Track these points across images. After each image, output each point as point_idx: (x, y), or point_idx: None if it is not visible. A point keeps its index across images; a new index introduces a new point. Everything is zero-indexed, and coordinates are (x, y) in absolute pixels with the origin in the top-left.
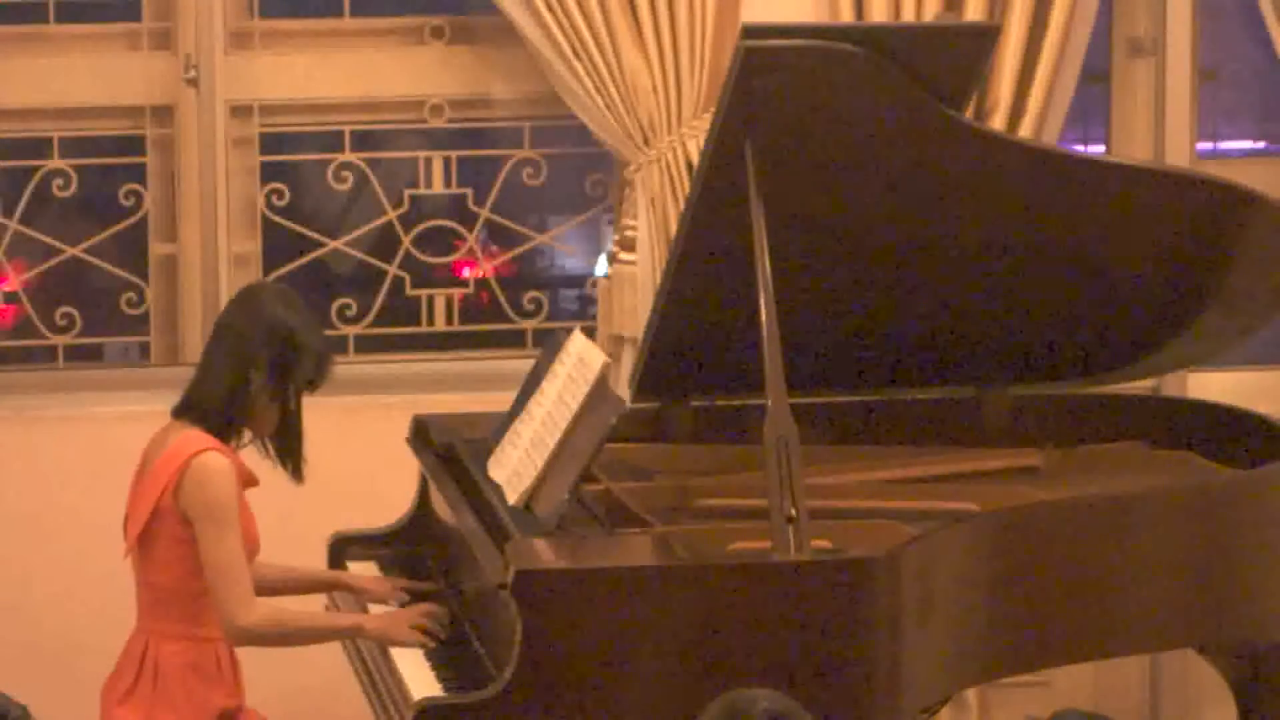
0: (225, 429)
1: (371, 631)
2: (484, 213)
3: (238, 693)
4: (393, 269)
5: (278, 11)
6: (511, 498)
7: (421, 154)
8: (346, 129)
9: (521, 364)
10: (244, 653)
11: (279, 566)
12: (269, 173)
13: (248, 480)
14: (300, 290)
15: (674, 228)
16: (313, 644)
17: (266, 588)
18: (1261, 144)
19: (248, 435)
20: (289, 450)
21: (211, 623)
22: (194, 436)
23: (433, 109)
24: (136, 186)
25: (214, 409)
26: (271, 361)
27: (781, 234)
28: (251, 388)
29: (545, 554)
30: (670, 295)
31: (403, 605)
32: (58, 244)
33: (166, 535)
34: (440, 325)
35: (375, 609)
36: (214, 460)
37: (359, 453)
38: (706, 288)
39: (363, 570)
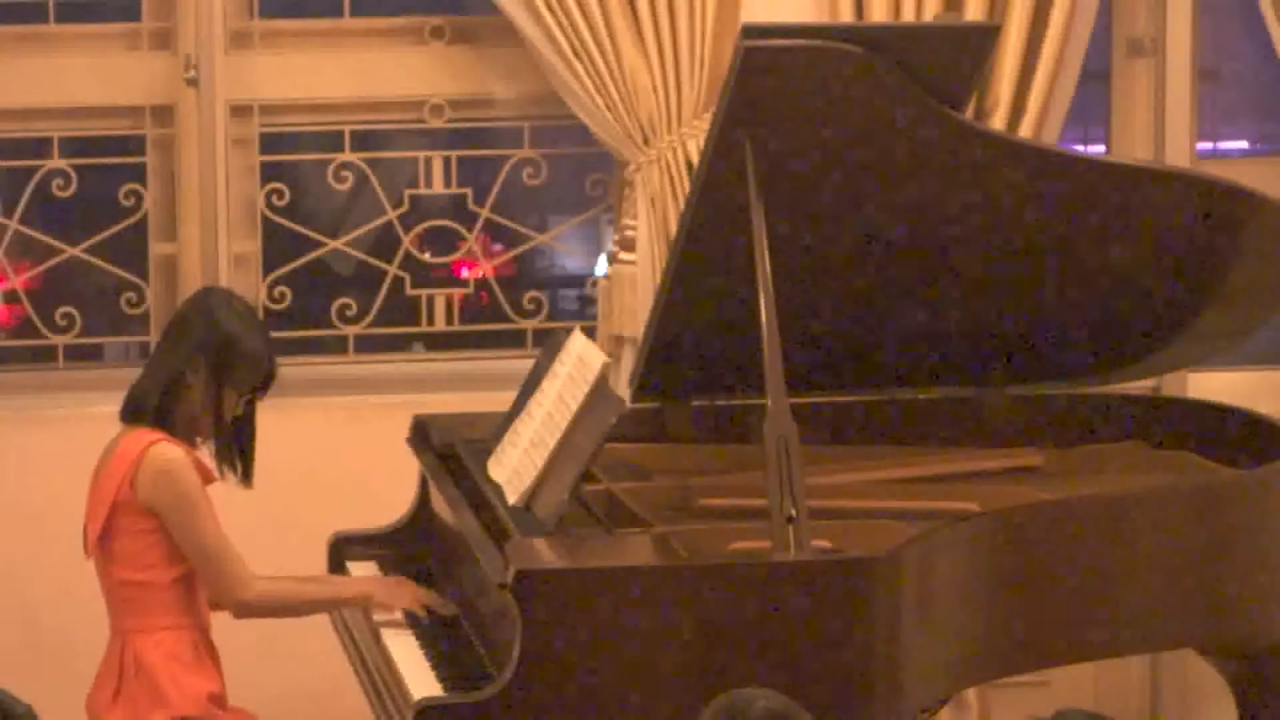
0: (165, 424)
1: (378, 600)
2: (484, 213)
3: (219, 678)
4: (393, 269)
5: (278, 11)
6: (511, 498)
7: (421, 154)
8: (346, 129)
9: (521, 364)
10: (245, 652)
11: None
12: (269, 173)
13: (206, 477)
14: (300, 290)
15: (674, 228)
16: (316, 612)
17: None
18: (1261, 144)
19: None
20: (242, 452)
21: (184, 612)
22: (142, 433)
23: (433, 109)
24: (136, 186)
25: (149, 403)
26: (210, 364)
27: (781, 234)
28: (187, 386)
29: (545, 554)
30: (670, 295)
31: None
32: (58, 244)
33: (128, 530)
34: (440, 325)
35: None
36: (168, 450)
37: (359, 453)
38: (706, 288)
39: (363, 570)
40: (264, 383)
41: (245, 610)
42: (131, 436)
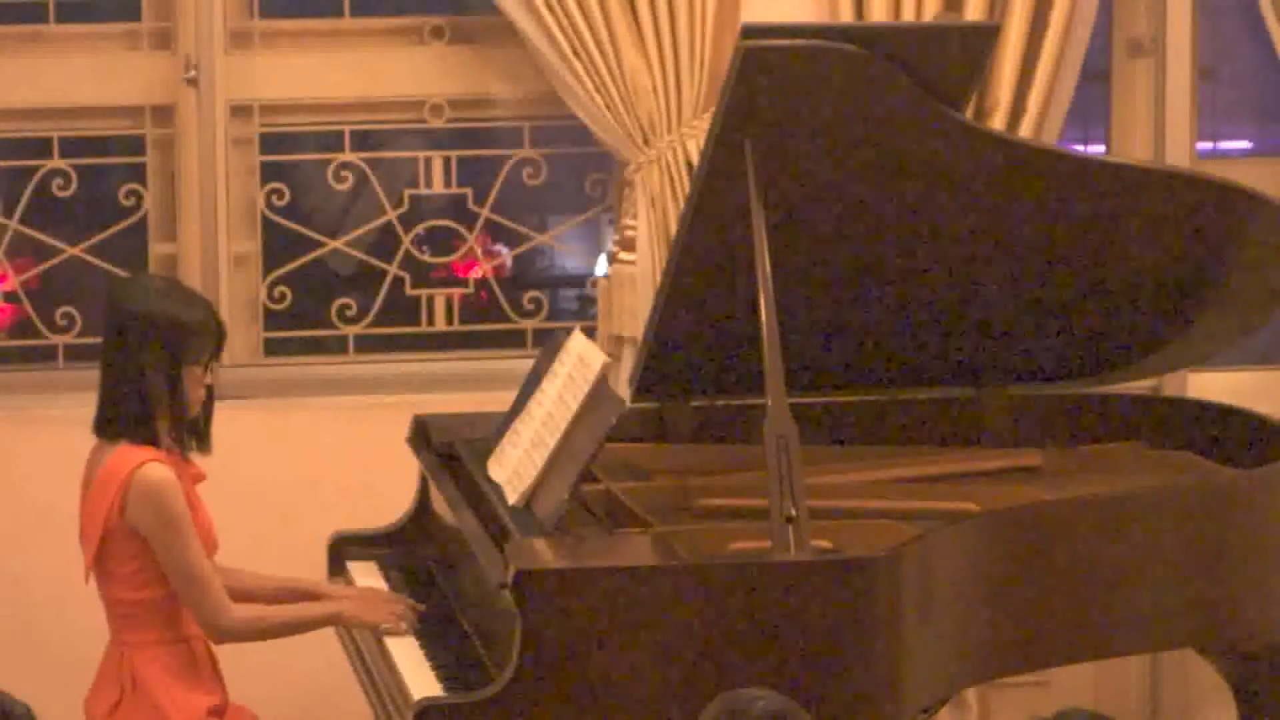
0: (148, 433)
1: (349, 617)
2: (484, 213)
3: (220, 688)
4: (393, 269)
5: (278, 11)
6: (511, 498)
7: (421, 154)
8: (346, 129)
9: (521, 364)
10: (245, 653)
11: (253, 575)
12: (269, 173)
13: (195, 477)
14: (300, 290)
15: (674, 228)
16: (293, 634)
17: (242, 596)
18: (1262, 144)
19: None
20: (199, 423)
21: (183, 624)
22: (126, 451)
23: (433, 109)
24: (136, 186)
25: (128, 420)
26: (164, 352)
27: (781, 234)
28: (152, 386)
29: (545, 554)
30: (670, 295)
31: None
32: (58, 244)
33: (122, 553)
34: (440, 325)
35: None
36: (155, 472)
37: (359, 453)
38: (706, 288)
39: (362, 570)
40: (219, 345)
41: (222, 636)
42: (117, 454)
